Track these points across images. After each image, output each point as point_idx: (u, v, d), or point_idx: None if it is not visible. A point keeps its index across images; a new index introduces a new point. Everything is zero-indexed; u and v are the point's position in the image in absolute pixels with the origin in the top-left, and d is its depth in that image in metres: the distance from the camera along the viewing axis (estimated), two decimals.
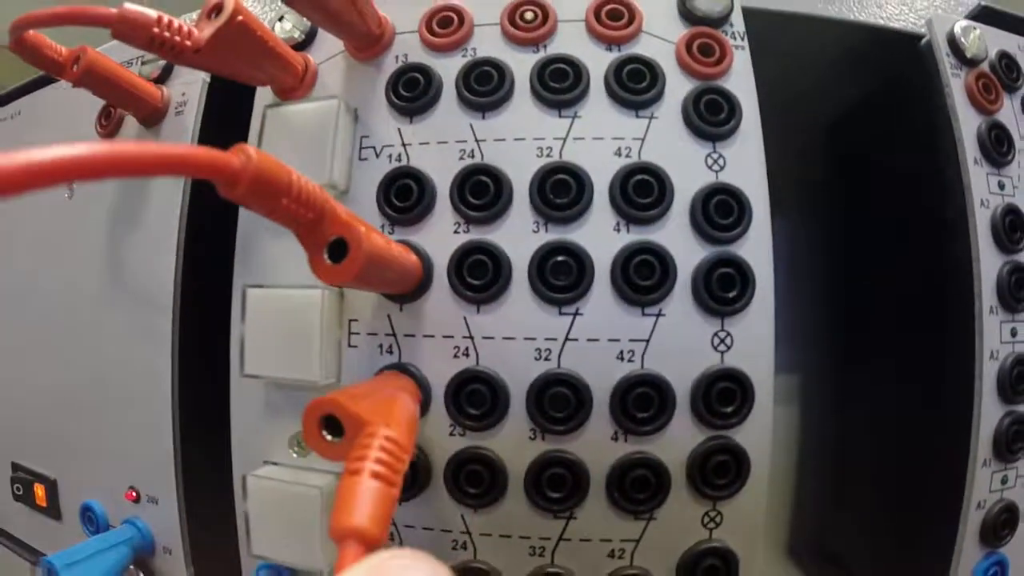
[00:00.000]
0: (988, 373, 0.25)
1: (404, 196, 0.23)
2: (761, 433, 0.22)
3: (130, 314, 0.27)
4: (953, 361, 0.26)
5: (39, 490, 0.31)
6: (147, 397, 0.26)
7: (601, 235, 0.22)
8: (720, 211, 0.22)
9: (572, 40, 0.24)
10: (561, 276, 0.22)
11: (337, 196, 0.23)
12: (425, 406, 0.22)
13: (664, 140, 0.23)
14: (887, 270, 0.33)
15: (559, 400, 0.21)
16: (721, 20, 0.24)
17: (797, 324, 0.34)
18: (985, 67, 0.27)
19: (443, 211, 0.23)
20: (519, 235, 0.22)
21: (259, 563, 0.24)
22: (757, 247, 0.22)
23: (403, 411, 0.18)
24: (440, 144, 0.23)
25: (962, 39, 0.26)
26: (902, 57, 0.28)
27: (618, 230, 0.22)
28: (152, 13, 0.20)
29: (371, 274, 0.18)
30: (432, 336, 0.22)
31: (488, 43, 0.24)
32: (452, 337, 0.22)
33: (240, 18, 0.20)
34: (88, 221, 0.29)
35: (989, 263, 0.25)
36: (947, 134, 0.26)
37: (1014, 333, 0.25)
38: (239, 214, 0.25)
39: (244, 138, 0.25)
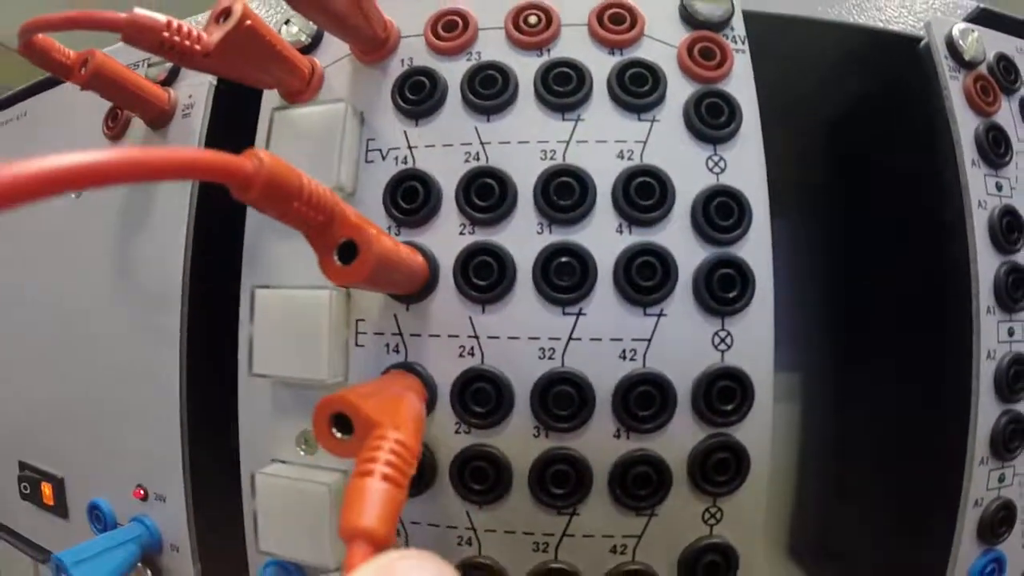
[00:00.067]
0: (985, 372, 0.25)
1: (410, 198, 0.23)
2: (761, 431, 0.22)
3: (138, 314, 0.27)
4: (952, 361, 0.26)
5: (46, 489, 0.31)
6: (155, 396, 0.27)
7: (604, 236, 0.22)
8: (721, 213, 0.22)
9: (575, 44, 0.24)
10: (565, 277, 0.22)
11: (344, 198, 0.23)
12: (431, 404, 0.22)
13: (666, 143, 0.23)
14: (886, 270, 0.33)
15: (563, 398, 0.22)
16: (722, 24, 0.25)
17: (798, 324, 0.34)
18: (983, 69, 0.27)
19: (449, 213, 0.23)
20: (524, 236, 0.23)
21: (266, 560, 0.24)
22: (757, 248, 0.23)
23: (410, 410, 0.18)
24: (446, 147, 0.24)
25: (960, 42, 0.26)
26: (901, 60, 0.28)
27: (620, 231, 0.22)
28: (161, 17, 0.20)
29: (380, 275, 0.18)
30: (438, 336, 0.23)
31: (492, 47, 0.25)
32: (457, 336, 0.22)
33: (249, 23, 0.20)
34: (96, 221, 0.29)
35: (986, 264, 0.25)
36: (945, 136, 0.26)
37: (1011, 333, 0.25)
38: (247, 215, 0.25)
39: (250, 140, 0.25)
